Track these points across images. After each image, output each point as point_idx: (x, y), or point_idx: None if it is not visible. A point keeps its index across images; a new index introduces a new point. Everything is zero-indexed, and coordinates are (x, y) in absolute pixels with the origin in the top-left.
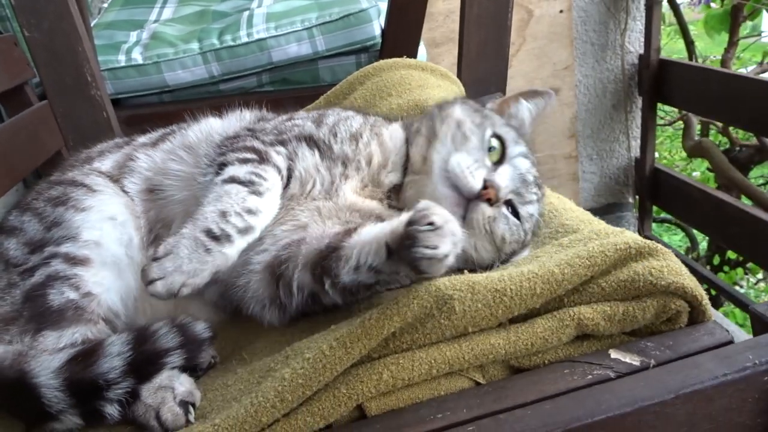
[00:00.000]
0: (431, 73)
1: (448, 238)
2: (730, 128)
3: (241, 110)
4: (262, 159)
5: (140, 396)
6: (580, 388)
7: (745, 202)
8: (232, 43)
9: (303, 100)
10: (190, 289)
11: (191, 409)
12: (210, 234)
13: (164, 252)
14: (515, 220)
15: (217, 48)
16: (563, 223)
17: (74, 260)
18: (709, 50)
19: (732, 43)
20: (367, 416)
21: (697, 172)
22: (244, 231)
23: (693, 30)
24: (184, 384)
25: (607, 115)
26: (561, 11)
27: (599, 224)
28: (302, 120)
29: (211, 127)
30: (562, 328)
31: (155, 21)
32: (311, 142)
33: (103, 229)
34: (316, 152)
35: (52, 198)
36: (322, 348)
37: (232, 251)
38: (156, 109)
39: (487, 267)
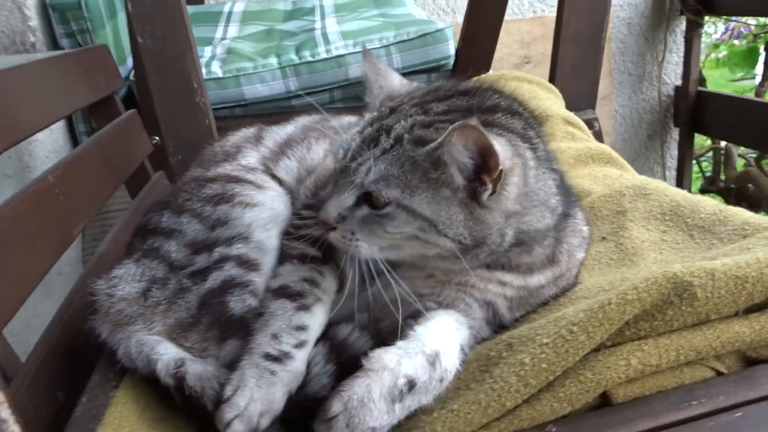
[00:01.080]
0: (538, 86)
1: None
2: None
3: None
4: (324, 256)
5: None
6: None
7: None
8: (311, 59)
9: None
10: (269, 418)
11: None
12: (269, 357)
13: (231, 390)
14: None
15: (296, 63)
16: (746, 221)
17: (248, 264)
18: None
19: (765, 77)
20: (611, 403)
21: None
22: (299, 345)
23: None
24: None
25: (642, 145)
26: None
27: None
28: None
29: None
30: None
31: (222, 39)
32: None
33: (271, 231)
34: None
35: (210, 196)
36: (561, 333)
37: (295, 366)
38: (227, 123)
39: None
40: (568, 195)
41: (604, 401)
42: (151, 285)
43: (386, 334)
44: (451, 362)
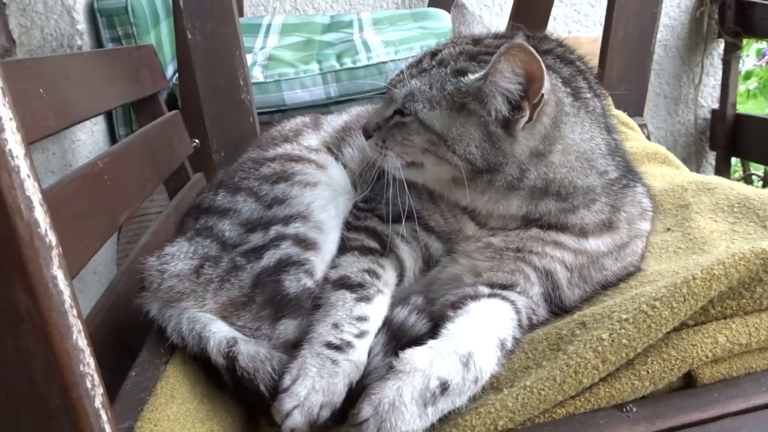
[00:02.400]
0: None
1: None
2: None
3: None
4: (384, 249)
5: None
6: None
7: None
8: (352, 65)
9: None
10: (329, 410)
11: None
12: (331, 346)
13: (291, 379)
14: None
15: (337, 69)
16: None
17: (305, 244)
18: None
19: None
20: (696, 384)
21: None
22: (361, 335)
23: None
24: None
25: None
26: None
27: None
28: None
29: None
30: None
31: (262, 48)
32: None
33: (330, 211)
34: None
35: (269, 175)
36: (642, 308)
37: (357, 355)
38: (265, 128)
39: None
40: (627, 165)
41: (688, 382)
42: (204, 262)
43: (437, 317)
44: (486, 361)
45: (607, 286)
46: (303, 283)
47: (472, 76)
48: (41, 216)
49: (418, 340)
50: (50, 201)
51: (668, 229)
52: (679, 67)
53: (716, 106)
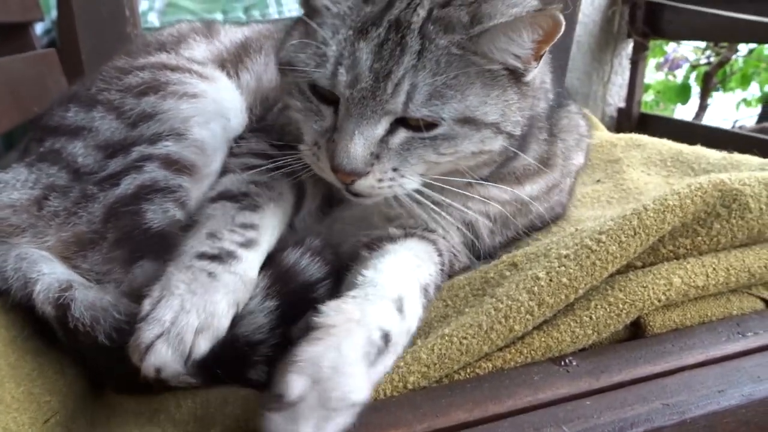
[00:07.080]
0: None
1: (305, 423)
2: None
3: None
4: (275, 170)
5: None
6: None
7: None
8: (260, 19)
9: None
10: (208, 339)
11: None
12: (205, 256)
13: (151, 303)
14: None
15: (243, 22)
16: (765, 162)
17: (178, 166)
18: None
19: (702, 107)
20: (646, 334)
21: None
22: (247, 245)
23: None
24: None
25: None
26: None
27: None
28: None
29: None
30: None
31: None
32: None
33: (215, 129)
34: None
35: (134, 86)
36: (586, 243)
37: (244, 268)
38: None
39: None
40: (558, 80)
41: (635, 333)
42: (49, 193)
43: (346, 259)
44: (414, 309)
45: (532, 229)
46: (171, 214)
47: (490, 22)
48: None
49: (309, 287)
50: None
51: (598, 180)
52: (590, 64)
53: (623, 104)
